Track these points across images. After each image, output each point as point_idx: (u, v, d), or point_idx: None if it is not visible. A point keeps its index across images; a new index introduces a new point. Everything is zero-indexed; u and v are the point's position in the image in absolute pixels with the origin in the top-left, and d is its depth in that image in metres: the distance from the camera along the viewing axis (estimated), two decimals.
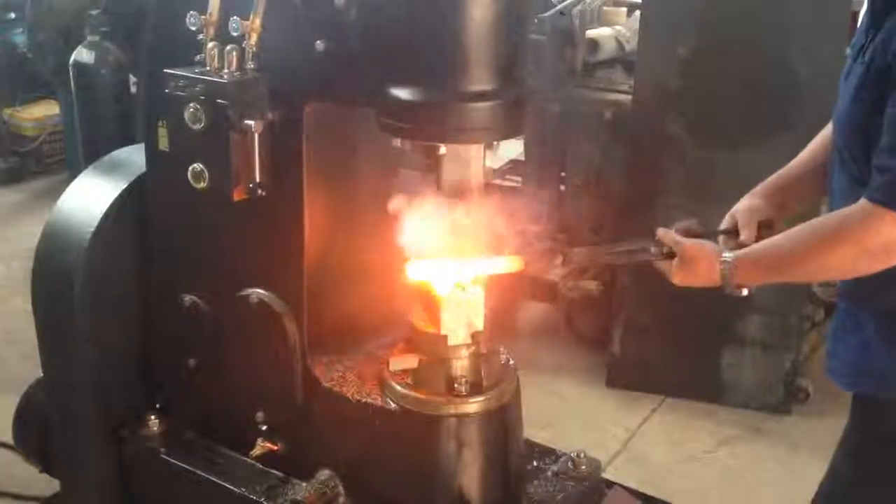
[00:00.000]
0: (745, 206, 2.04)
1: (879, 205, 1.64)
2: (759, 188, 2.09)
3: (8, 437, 2.72)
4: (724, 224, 2.05)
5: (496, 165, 4.40)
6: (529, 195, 4.26)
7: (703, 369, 3.92)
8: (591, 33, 4.19)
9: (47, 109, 6.48)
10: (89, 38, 4.79)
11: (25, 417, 2.63)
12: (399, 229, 1.86)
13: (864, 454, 1.92)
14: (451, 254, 1.87)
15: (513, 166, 4.45)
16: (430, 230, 1.84)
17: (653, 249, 1.94)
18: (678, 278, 1.89)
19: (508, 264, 1.91)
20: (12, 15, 6.35)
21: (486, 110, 1.72)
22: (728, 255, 1.84)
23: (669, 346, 3.90)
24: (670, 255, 1.92)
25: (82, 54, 4.78)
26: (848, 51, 1.90)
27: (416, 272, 1.88)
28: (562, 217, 4.23)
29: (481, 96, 1.70)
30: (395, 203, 1.88)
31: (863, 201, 1.67)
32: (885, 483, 1.88)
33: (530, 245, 1.92)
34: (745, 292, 1.87)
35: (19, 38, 6.23)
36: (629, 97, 3.88)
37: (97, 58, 4.75)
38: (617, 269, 3.86)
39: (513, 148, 4.29)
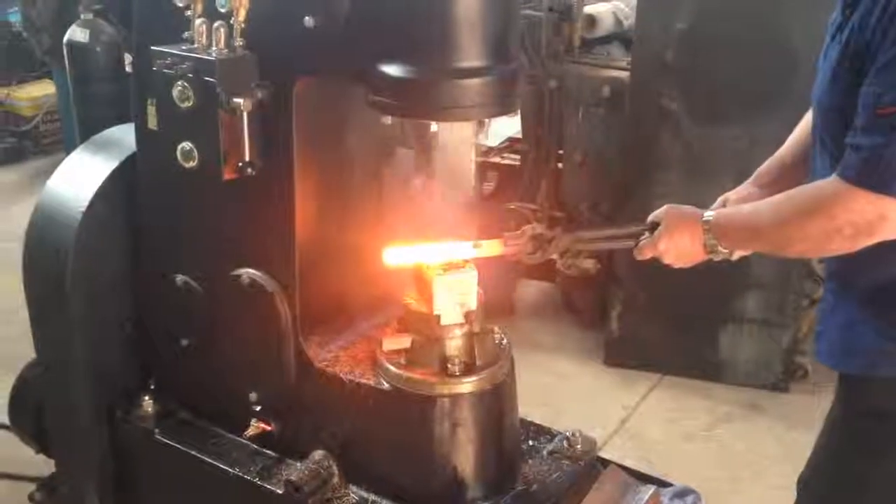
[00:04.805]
0: (735, 196, 2.04)
1: (851, 183, 1.61)
2: (752, 177, 2.08)
3: (4, 418, 2.72)
4: (713, 207, 2.03)
5: (494, 143, 4.38)
6: (527, 173, 4.25)
7: (701, 347, 3.92)
8: (588, 9, 4.15)
9: (44, 89, 6.46)
10: (83, 16, 4.74)
11: (21, 398, 2.63)
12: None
13: (849, 432, 1.92)
14: (432, 238, 1.85)
15: (510, 144, 4.43)
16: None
17: (637, 229, 1.92)
18: (663, 242, 1.86)
19: (487, 249, 1.88)
20: None
21: (477, 87, 1.69)
22: (709, 214, 1.84)
23: (667, 323, 3.89)
24: (654, 228, 1.90)
25: (76, 33, 4.73)
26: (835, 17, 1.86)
27: (393, 257, 1.86)
28: (559, 194, 4.22)
29: (473, 72, 1.67)
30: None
31: (834, 178, 1.65)
32: (869, 459, 1.88)
33: (518, 229, 1.90)
34: (723, 250, 1.84)
35: (14, 17, 6.19)
36: (627, 73, 3.85)
37: (91, 36, 4.70)
38: (602, 250, 3.84)
39: (510, 126, 4.26)
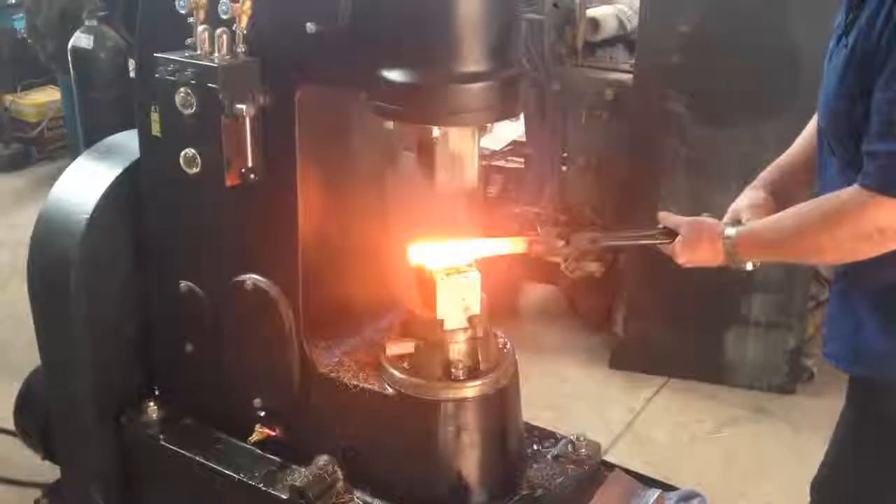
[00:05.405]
0: (747, 203, 2.00)
1: (872, 190, 1.62)
2: (759, 180, 2.06)
3: (11, 424, 2.73)
4: (726, 219, 2.01)
5: (497, 147, 4.38)
6: (531, 176, 4.25)
7: (707, 350, 3.90)
8: (591, 12, 4.15)
9: (49, 95, 6.48)
10: (87, 22, 4.77)
11: (26, 404, 2.63)
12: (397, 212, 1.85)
13: (861, 436, 1.91)
14: (452, 236, 1.86)
15: (514, 147, 4.43)
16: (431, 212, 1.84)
17: (655, 232, 1.95)
18: (682, 257, 1.91)
19: (512, 246, 1.91)
20: (12, 0, 6.33)
21: (479, 91, 1.69)
22: (730, 231, 1.85)
23: (673, 326, 3.88)
24: (672, 236, 1.93)
25: (80, 39, 4.76)
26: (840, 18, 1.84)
27: (418, 255, 1.87)
28: (564, 197, 4.22)
29: (474, 77, 1.68)
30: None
31: (856, 187, 1.65)
32: (882, 465, 1.87)
33: (534, 228, 1.92)
34: (749, 266, 1.88)
35: (20, 23, 6.20)
36: (631, 76, 3.85)
37: (95, 42, 4.73)
38: (619, 250, 3.84)
39: (514, 129, 4.26)
